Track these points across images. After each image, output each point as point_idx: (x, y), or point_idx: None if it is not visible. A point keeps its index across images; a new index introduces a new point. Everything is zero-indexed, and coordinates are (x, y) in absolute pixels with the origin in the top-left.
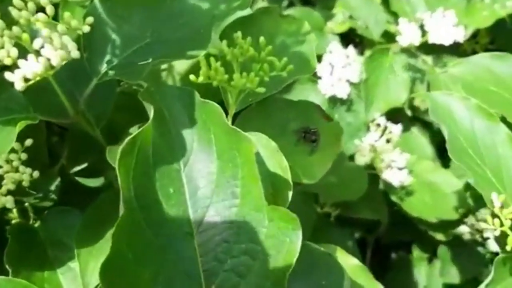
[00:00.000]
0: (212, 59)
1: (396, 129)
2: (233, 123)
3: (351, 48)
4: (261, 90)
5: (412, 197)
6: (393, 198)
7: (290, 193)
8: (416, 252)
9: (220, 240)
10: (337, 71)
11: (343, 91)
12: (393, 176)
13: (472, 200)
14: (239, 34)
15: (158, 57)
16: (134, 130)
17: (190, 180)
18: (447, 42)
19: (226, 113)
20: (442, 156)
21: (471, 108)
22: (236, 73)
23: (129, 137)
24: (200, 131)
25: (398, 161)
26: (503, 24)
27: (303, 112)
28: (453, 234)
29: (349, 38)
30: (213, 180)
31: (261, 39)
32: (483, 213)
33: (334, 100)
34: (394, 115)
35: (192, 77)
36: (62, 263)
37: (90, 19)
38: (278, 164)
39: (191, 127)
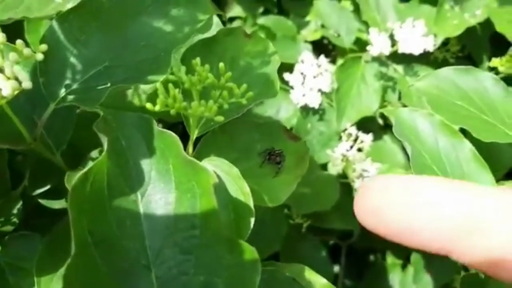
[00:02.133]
0: (170, 86)
1: (367, 138)
2: (195, 147)
3: (322, 58)
4: (220, 119)
5: None
6: None
7: (252, 219)
8: (390, 259)
9: (178, 272)
10: (308, 81)
11: (314, 101)
12: None
13: None
14: (197, 60)
15: (117, 81)
16: (95, 154)
17: (147, 211)
18: (416, 51)
19: (188, 135)
20: None
21: (436, 125)
22: (195, 101)
23: (80, 173)
24: (158, 161)
25: (369, 170)
26: (474, 31)
27: (268, 133)
28: None
29: (322, 45)
30: (172, 211)
31: (221, 65)
32: None
33: (306, 110)
34: (365, 123)
35: (149, 105)
36: None
37: (43, 47)
38: (240, 190)
39: (149, 157)
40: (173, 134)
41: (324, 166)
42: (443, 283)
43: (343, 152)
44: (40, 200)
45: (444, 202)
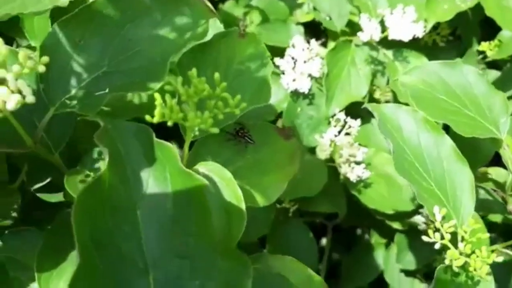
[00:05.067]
0: (167, 97)
1: (355, 123)
2: (190, 148)
3: (313, 42)
4: (215, 131)
5: (370, 189)
6: (352, 191)
7: (245, 222)
8: (375, 237)
9: (175, 276)
10: (299, 66)
11: (304, 86)
12: (351, 171)
13: None
14: (194, 72)
15: (115, 87)
16: (94, 154)
17: (145, 217)
18: (406, 38)
19: (182, 139)
20: None
21: (419, 121)
22: (191, 113)
23: (84, 186)
24: (156, 169)
25: (356, 156)
26: (465, 16)
27: (260, 132)
28: (409, 223)
29: (315, 26)
30: (169, 217)
31: (216, 76)
32: None
33: (297, 94)
34: (354, 107)
35: (148, 117)
36: (23, 284)
37: (45, 59)
38: (233, 194)
39: (147, 165)
40: (170, 144)
41: (312, 150)
42: (425, 263)
43: (331, 138)
44: (38, 194)
45: None
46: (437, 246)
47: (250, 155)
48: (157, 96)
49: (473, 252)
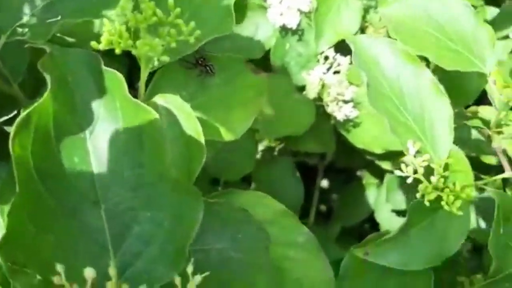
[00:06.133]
0: (116, 23)
1: (344, 61)
2: (149, 81)
3: None
4: (165, 59)
5: (359, 129)
6: (340, 130)
7: (204, 156)
8: (367, 177)
9: (126, 207)
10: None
11: (292, 21)
12: (339, 110)
13: None
14: None
15: (67, 14)
16: None
17: (96, 148)
18: None
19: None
20: None
21: (397, 53)
22: (140, 40)
23: (23, 114)
24: (106, 99)
25: (345, 94)
26: None
27: (227, 65)
28: (399, 163)
29: None
30: (120, 149)
31: (170, 1)
32: None
33: (285, 30)
34: (343, 44)
35: (93, 43)
36: None
37: None
38: (192, 127)
39: (97, 95)
40: (118, 73)
41: (302, 89)
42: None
43: (320, 76)
44: (5, 127)
45: None
46: (409, 180)
47: (216, 89)
48: (106, 21)
49: (446, 187)
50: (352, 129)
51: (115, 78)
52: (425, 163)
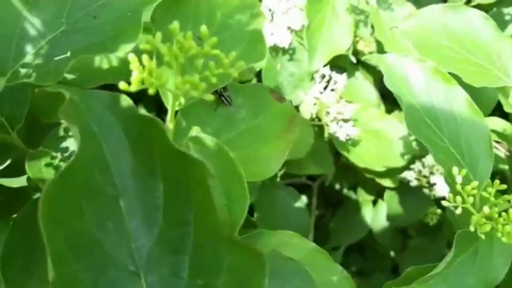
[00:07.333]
0: (146, 58)
1: (341, 79)
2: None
3: None
4: (209, 98)
5: (359, 147)
6: (341, 150)
7: (247, 204)
8: (362, 195)
9: (172, 276)
10: (277, 18)
11: (284, 40)
12: (340, 130)
13: (418, 146)
14: (176, 25)
15: (77, 50)
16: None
17: (131, 208)
18: None
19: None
20: (385, 98)
21: (428, 71)
22: (177, 77)
23: (51, 179)
24: (139, 149)
25: (343, 112)
26: None
27: (251, 96)
28: (400, 179)
29: None
30: (160, 206)
31: (203, 28)
32: (429, 159)
33: (276, 50)
34: (337, 60)
35: (123, 85)
36: None
37: None
38: (232, 171)
39: (128, 144)
40: (157, 119)
41: (296, 109)
42: (416, 218)
43: (316, 95)
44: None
45: None
46: (458, 211)
47: (243, 123)
48: (133, 58)
49: (499, 215)
50: (351, 148)
51: (153, 123)
52: (474, 191)
